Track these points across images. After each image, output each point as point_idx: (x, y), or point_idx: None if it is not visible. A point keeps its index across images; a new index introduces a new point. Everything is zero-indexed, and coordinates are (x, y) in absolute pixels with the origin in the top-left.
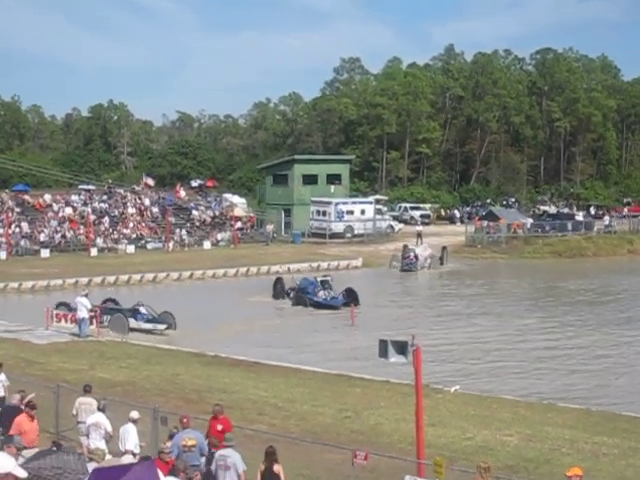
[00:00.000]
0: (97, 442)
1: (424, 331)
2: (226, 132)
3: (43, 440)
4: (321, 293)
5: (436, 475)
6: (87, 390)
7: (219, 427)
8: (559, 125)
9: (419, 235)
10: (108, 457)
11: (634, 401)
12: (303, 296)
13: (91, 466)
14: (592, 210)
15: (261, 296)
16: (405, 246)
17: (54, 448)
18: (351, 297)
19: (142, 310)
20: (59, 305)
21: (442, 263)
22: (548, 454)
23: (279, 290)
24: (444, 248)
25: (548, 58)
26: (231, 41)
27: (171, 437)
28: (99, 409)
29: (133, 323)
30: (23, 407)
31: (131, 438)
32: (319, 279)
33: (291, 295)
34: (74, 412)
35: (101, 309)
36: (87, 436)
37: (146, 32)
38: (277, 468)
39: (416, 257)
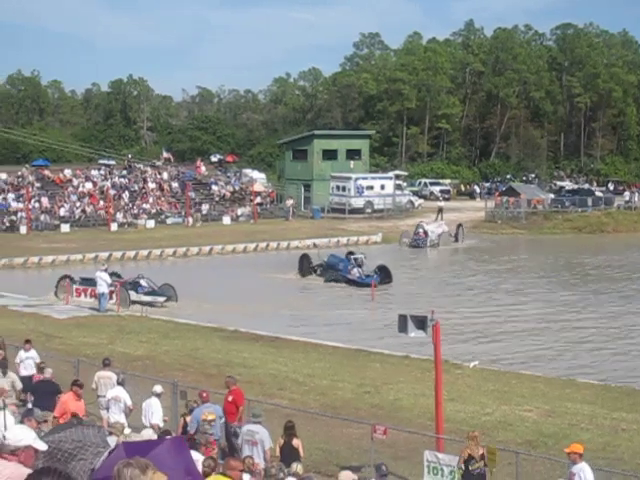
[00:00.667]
0: (117, 416)
1: (450, 307)
2: (246, 107)
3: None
4: (355, 270)
5: (489, 463)
6: (106, 364)
7: (230, 398)
8: (579, 100)
9: (440, 210)
10: (127, 431)
11: None
12: (336, 273)
13: (111, 440)
14: (610, 186)
15: (284, 273)
16: (419, 223)
17: (74, 422)
18: (384, 274)
19: (142, 283)
20: (63, 278)
21: (457, 240)
22: (567, 429)
23: (306, 267)
24: (459, 225)
25: (568, 33)
26: (251, 17)
27: (191, 411)
28: (118, 383)
29: (134, 295)
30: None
31: (156, 412)
32: (353, 256)
33: (318, 272)
34: (93, 386)
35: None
36: (107, 410)
37: (166, 8)
38: (296, 442)
39: (425, 233)
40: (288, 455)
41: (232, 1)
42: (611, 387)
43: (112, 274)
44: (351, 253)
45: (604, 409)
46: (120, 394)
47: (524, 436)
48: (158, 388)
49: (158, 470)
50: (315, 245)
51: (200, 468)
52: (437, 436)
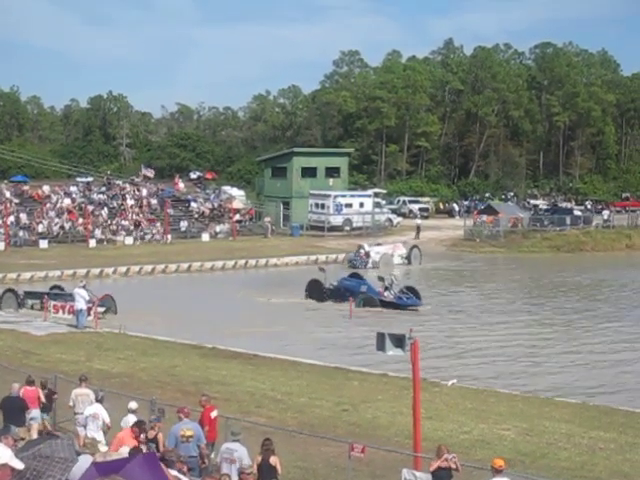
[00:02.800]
0: (94, 433)
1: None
2: (225, 124)
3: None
4: (386, 293)
5: None
6: (83, 380)
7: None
8: (558, 119)
9: (418, 228)
10: (104, 449)
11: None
12: (373, 297)
13: (84, 458)
14: (588, 204)
15: (285, 295)
16: (360, 245)
17: (45, 436)
18: (415, 294)
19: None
20: (6, 292)
21: (409, 262)
22: (545, 448)
23: (317, 292)
24: (413, 247)
25: (548, 52)
26: (231, 33)
27: (157, 420)
28: (97, 400)
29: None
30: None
31: None
32: (385, 280)
33: (329, 295)
34: (71, 403)
35: (48, 295)
36: (84, 427)
37: (146, 24)
38: (274, 460)
39: (367, 254)
40: (266, 473)
41: (213, 18)
42: (589, 406)
43: (54, 287)
44: (381, 278)
45: (582, 428)
46: (99, 411)
47: (502, 454)
48: (133, 405)
49: None
50: (322, 269)
51: None
52: (415, 454)
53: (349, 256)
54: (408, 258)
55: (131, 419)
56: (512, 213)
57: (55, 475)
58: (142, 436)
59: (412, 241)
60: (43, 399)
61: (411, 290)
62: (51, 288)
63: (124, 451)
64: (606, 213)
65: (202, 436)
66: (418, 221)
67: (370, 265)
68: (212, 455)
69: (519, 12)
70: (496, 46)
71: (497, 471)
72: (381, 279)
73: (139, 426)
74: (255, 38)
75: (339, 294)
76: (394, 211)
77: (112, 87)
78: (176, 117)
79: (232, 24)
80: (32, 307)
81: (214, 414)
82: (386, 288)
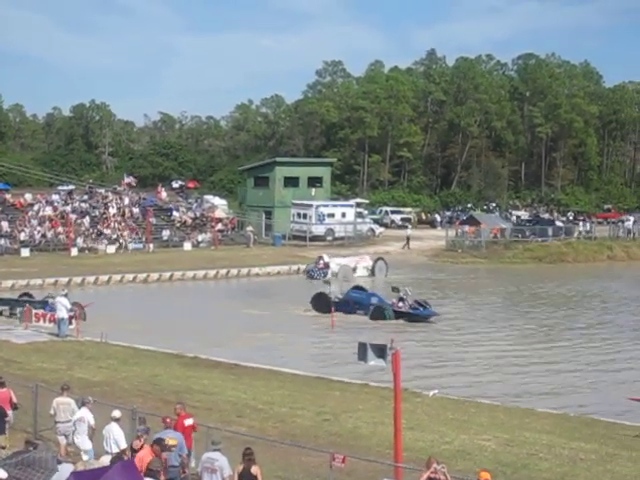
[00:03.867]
0: (81, 437)
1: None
2: (208, 133)
3: (19, 440)
4: (401, 304)
5: None
6: (65, 389)
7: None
8: (540, 130)
9: (408, 239)
10: (86, 457)
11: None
12: (387, 307)
13: (65, 467)
14: (570, 216)
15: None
16: (320, 256)
17: (30, 448)
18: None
19: (50, 302)
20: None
21: (373, 274)
22: (526, 459)
23: (324, 306)
24: (378, 259)
25: (530, 63)
26: (214, 43)
27: (144, 431)
28: (83, 404)
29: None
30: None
31: (119, 438)
32: (399, 292)
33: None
34: (52, 412)
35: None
36: (65, 436)
37: (129, 32)
38: (255, 470)
39: (326, 265)
40: None
41: (197, 26)
42: (570, 417)
43: (23, 294)
44: (396, 289)
45: (562, 439)
46: (84, 414)
47: (482, 465)
48: (117, 413)
49: None
50: (327, 282)
51: None
52: (396, 465)
53: (308, 267)
54: (372, 270)
55: (114, 428)
56: (494, 224)
57: None
58: (163, 454)
59: (402, 250)
60: (15, 399)
61: (421, 303)
62: (20, 296)
63: (106, 461)
64: (581, 224)
65: (184, 446)
66: (409, 231)
67: (329, 276)
68: (192, 464)
69: (502, 23)
70: (479, 57)
71: None
72: (395, 290)
73: (159, 444)
74: (238, 47)
75: (347, 306)
76: (376, 221)
77: (95, 96)
78: (158, 126)
79: (215, 33)
80: (1, 313)
81: (188, 422)
82: (401, 299)
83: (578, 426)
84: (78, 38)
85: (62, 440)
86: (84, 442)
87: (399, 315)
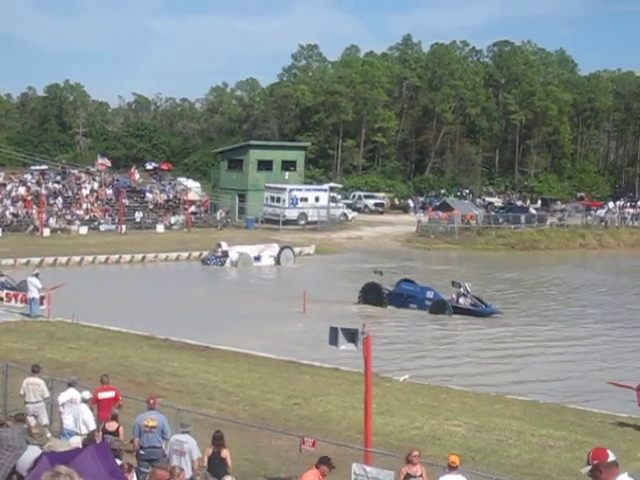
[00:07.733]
0: (71, 422)
1: None
2: (182, 116)
3: None
4: (462, 300)
5: None
6: (35, 370)
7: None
8: (515, 118)
9: None
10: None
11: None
12: (446, 303)
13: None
14: (539, 203)
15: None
16: (219, 244)
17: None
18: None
19: (1, 279)
20: None
21: (279, 263)
22: (495, 445)
23: (376, 298)
24: (283, 248)
25: (505, 50)
26: (190, 24)
27: (69, 385)
28: (70, 384)
29: None
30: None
31: (88, 419)
32: (460, 287)
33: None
34: (22, 392)
35: None
36: (34, 416)
37: (104, 13)
38: (225, 452)
39: (224, 254)
40: (216, 465)
41: (173, 9)
42: (539, 404)
43: None
44: (457, 284)
45: (532, 425)
46: (74, 395)
47: (452, 450)
48: (86, 394)
49: (81, 478)
50: (378, 272)
51: None
52: (366, 449)
53: (206, 255)
54: (278, 259)
55: (84, 409)
56: (467, 210)
57: (4, 463)
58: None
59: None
60: None
61: (480, 300)
62: None
63: (76, 442)
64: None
65: (167, 427)
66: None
67: (227, 265)
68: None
69: (478, 10)
70: (454, 43)
71: (451, 468)
72: (456, 285)
73: (326, 463)
74: (214, 30)
75: (400, 299)
76: (349, 206)
77: (69, 76)
78: (133, 107)
79: (191, 15)
80: None
81: (102, 395)
82: (462, 294)
83: (548, 413)
84: (54, 18)
85: (32, 420)
86: (69, 424)
87: (457, 311)
